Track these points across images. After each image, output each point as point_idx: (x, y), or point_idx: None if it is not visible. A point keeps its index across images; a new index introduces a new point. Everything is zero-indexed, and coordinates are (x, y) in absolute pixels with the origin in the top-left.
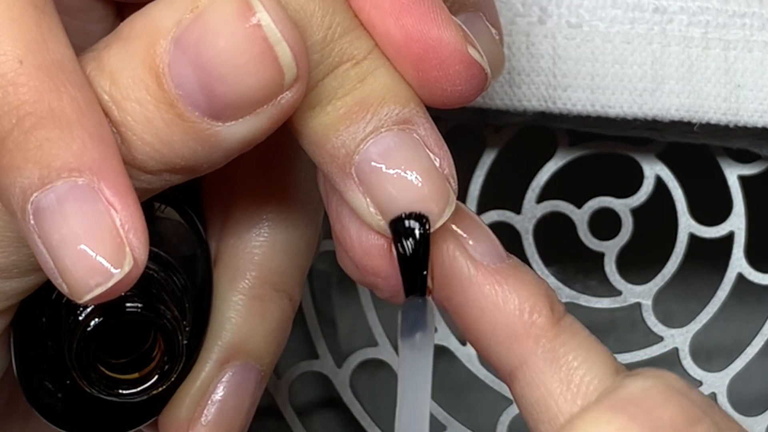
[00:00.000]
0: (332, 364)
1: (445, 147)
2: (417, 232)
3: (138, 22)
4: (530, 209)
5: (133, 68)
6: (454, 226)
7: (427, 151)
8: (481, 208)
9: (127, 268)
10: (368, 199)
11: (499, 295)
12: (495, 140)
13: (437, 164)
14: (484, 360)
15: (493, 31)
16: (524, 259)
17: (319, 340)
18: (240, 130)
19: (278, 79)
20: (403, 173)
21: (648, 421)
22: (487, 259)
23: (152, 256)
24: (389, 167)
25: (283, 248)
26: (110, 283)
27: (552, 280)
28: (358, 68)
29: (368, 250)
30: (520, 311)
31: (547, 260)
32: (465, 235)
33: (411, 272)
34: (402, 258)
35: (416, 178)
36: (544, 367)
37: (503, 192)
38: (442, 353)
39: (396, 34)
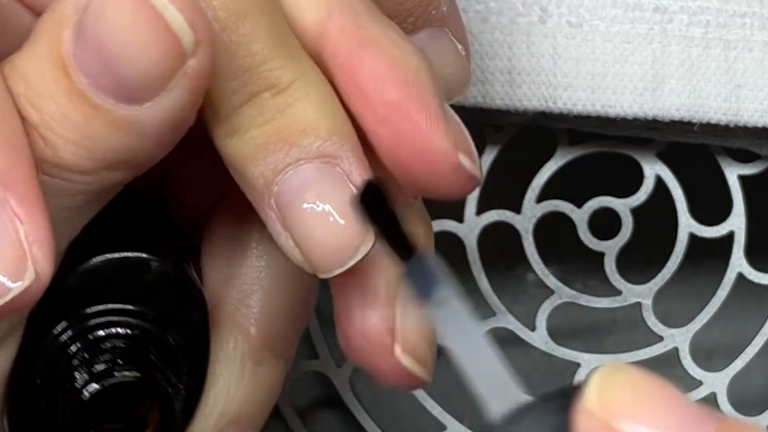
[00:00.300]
0: (332, 364)
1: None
2: (376, 196)
3: (43, 20)
4: (530, 209)
5: (42, 65)
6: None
7: (350, 185)
8: (481, 208)
9: (27, 282)
10: (287, 232)
11: None
12: (495, 140)
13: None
14: None
15: (459, 46)
16: (524, 259)
17: (319, 340)
18: (159, 110)
19: (175, 46)
20: (318, 207)
21: None
22: None
23: (150, 318)
24: (307, 201)
25: (286, 313)
26: (8, 297)
27: (552, 280)
28: (279, 98)
29: (371, 348)
30: None
31: (547, 260)
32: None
33: (391, 236)
34: (379, 227)
35: (334, 213)
36: None
37: (503, 192)
38: (441, 353)
39: (386, 138)
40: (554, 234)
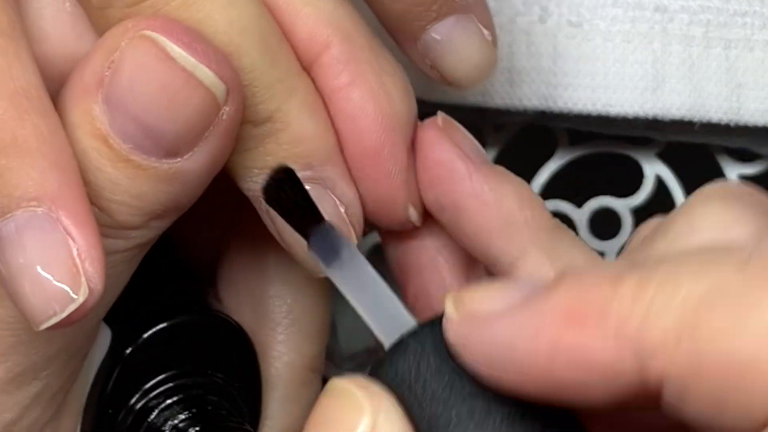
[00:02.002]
0: (332, 365)
1: (355, 193)
2: (283, 179)
3: (66, 101)
4: None
5: (79, 142)
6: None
7: (332, 196)
8: None
9: (82, 298)
10: (279, 233)
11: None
12: (495, 140)
13: (342, 210)
14: (478, 257)
15: (485, 32)
16: None
17: None
18: (200, 158)
19: (210, 100)
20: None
21: None
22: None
23: (215, 374)
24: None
25: (316, 332)
26: (66, 312)
27: None
28: (257, 130)
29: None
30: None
31: None
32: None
33: (297, 215)
34: (285, 209)
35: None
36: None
37: None
38: None
39: (353, 171)
40: None
